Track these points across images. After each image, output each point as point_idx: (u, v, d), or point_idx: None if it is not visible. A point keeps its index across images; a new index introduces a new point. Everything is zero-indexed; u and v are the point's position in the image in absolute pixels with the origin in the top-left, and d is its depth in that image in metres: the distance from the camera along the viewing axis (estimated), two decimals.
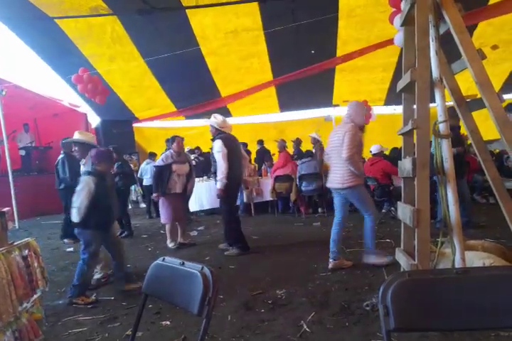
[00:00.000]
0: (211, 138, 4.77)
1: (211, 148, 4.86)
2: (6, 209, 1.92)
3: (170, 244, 5.20)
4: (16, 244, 1.90)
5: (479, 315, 1.18)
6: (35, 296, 1.96)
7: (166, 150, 8.92)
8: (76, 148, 3.98)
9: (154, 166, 5.37)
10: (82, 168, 4.08)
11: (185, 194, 5.43)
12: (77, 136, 4.06)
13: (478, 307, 1.18)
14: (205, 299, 1.33)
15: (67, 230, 5.62)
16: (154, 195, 5.20)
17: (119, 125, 9.92)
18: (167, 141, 8.94)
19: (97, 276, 3.68)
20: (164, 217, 5.20)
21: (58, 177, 5.63)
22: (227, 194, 4.59)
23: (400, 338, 2.27)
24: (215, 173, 4.79)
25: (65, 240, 5.83)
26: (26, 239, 2.03)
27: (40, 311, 2.08)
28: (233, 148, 4.65)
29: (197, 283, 1.36)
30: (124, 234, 6.11)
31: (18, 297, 1.77)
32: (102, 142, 9.67)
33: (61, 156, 5.86)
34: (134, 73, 8.15)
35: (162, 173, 5.11)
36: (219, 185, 4.51)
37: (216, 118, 4.76)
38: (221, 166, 4.50)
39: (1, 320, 1.66)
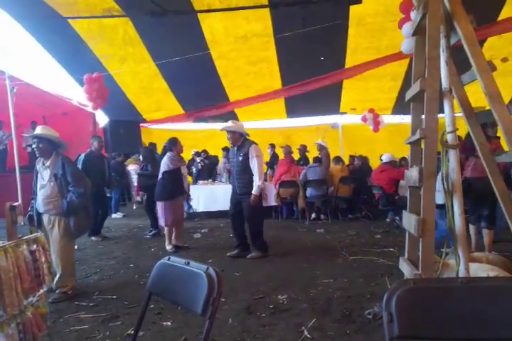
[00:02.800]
0: (236, 144, 4.61)
1: (243, 154, 4.53)
2: (16, 203, 1.95)
3: (168, 247, 5.15)
4: (24, 238, 1.93)
5: (482, 325, 1.18)
6: (41, 291, 1.98)
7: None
8: (40, 145, 3.33)
9: (165, 172, 5.05)
10: (46, 172, 3.40)
11: (184, 196, 5.58)
12: (42, 131, 3.39)
13: (481, 317, 1.18)
14: (210, 299, 1.33)
15: (94, 228, 5.72)
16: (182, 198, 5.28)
17: (126, 125, 9.99)
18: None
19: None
20: (165, 220, 5.11)
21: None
22: (260, 200, 4.68)
23: None
24: (243, 177, 4.60)
25: (93, 238, 5.89)
26: (35, 234, 2.06)
27: (46, 306, 2.10)
28: None
29: (202, 283, 1.37)
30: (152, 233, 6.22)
31: (23, 290, 1.79)
32: (109, 142, 9.74)
33: (85, 153, 5.92)
34: (144, 75, 8.22)
35: (175, 177, 5.12)
36: (256, 191, 4.51)
37: (237, 124, 4.73)
38: (261, 171, 4.58)
39: (5, 313, 1.69)
